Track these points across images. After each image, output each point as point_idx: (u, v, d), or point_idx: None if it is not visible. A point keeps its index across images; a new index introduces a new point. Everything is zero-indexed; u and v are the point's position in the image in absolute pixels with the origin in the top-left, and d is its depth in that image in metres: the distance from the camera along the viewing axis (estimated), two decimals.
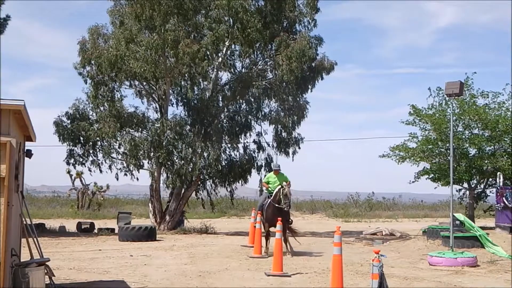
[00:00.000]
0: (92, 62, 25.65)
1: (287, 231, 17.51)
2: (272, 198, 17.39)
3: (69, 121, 26.56)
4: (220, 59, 27.06)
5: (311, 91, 27.42)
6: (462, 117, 24.54)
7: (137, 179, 27.19)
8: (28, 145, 10.62)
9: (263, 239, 17.66)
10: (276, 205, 17.09)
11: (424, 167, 26.46)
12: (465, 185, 26.27)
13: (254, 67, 27.68)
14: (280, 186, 17.28)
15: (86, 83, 26.79)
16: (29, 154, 10.23)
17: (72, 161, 26.97)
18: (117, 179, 27.44)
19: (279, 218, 15.04)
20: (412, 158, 26.02)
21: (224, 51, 26.87)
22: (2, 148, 7.89)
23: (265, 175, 27.64)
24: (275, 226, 15.88)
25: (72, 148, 26.66)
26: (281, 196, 16.99)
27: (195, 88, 26.94)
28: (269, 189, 17.99)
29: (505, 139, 24.42)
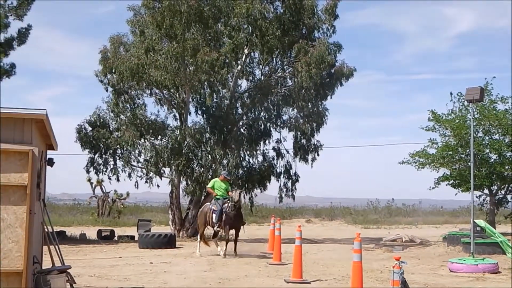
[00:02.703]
0: (114, 70, 25.81)
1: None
2: (230, 208, 18.13)
3: (90, 129, 26.81)
4: (239, 66, 27.13)
5: (331, 97, 27.37)
6: (482, 123, 24.42)
7: (158, 186, 27.44)
8: (49, 153, 10.72)
9: (219, 243, 18.90)
10: (234, 212, 18.14)
11: (444, 173, 26.35)
12: (486, 191, 26.14)
13: (273, 74, 27.73)
14: (239, 191, 18.73)
15: (107, 91, 27.20)
16: (50, 162, 10.33)
17: (92, 169, 27.22)
18: (137, 187, 27.70)
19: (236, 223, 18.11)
20: (432, 164, 25.93)
21: (243, 59, 26.94)
22: (25, 157, 8.00)
23: (283, 183, 27.80)
24: (233, 229, 18.30)
25: (92, 156, 26.92)
26: (236, 200, 18.11)
27: (214, 96, 27.09)
28: (217, 195, 18.68)
29: None
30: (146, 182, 27.23)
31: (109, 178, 27.79)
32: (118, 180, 27.58)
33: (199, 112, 27.61)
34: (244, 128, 27.78)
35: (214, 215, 18.41)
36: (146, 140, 26.60)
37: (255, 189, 27.54)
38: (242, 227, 18.84)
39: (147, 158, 26.26)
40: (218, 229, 18.57)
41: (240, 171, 26.83)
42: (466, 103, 22.49)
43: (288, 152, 28.00)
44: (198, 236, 19.53)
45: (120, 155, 27.25)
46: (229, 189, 18.89)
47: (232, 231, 18.71)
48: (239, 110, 27.89)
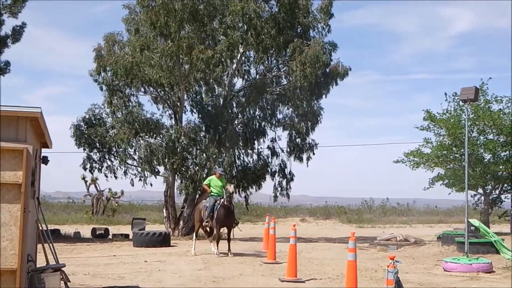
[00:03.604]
0: (108, 68, 25.77)
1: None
2: (225, 199, 18.07)
3: (86, 126, 26.76)
4: (234, 65, 27.13)
5: (326, 97, 27.47)
6: (476, 123, 24.47)
7: (151, 185, 27.37)
8: (43, 151, 10.70)
9: (214, 242, 18.62)
10: (227, 204, 18.06)
11: (439, 172, 26.41)
12: (480, 190, 26.18)
13: (268, 73, 27.76)
14: (233, 185, 19.10)
15: (101, 89, 27.08)
16: (45, 160, 10.30)
17: (88, 166, 27.19)
18: (132, 185, 27.60)
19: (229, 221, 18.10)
20: (427, 163, 25.98)
21: (238, 58, 26.95)
22: (19, 155, 7.99)
23: (278, 182, 27.81)
24: (225, 227, 18.32)
25: (88, 154, 26.90)
26: (231, 191, 18.17)
27: (210, 94, 27.08)
28: (212, 192, 18.65)
29: None
30: (140, 180, 27.25)
31: (106, 176, 27.81)
32: (115, 177, 27.58)
33: (194, 110, 27.64)
34: (239, 126, 27.77)
35: (206, 212, 18.43)
36: (141, 139, 26.56)
37: (250, 188, 27.54)
38: (236, 226, 18.87)
39: (142, 156, 26.21)
40: (207, 224, 18.50)
41: (235, 170, 26.80)
42: (461, 103, 22.53)
43: (283, 151, 28.07)
44: (194, 234, 19.51)
45: (115, 153, 27.20)
46: (225, 185, 18.84)
47: (224, 230, 18.73)
48: (234, 109, 27.87)
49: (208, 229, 18.99)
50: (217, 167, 22.08)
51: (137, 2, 25.90)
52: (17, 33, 24.52)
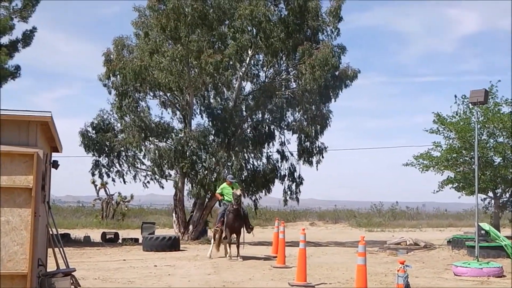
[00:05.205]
0: (117, 73, 25.82)
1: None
2: (233, 203, 18.24)
3: (94, 132, 26.82)
4: (243, 69, 27.12)
5: (335, 100, 27.40)
6: (486, 125, 24.36)
7: (163, 187, 27.52)
8: (54, 155, 10.73)
9: (226, 246, 18.72)
10: (235, 207, 18.14)
11: (448, 176, 26.28)
12: (490, 194, 26.06)
13: (277, 76, 27.71)
14: (240, 189, 18.91)
15: (110, 94, 27.16)
16: (55, 165, 10.34)
17: (97, 171, 27.26)
18: (147, 187, 27.88)
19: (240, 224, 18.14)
20: (436, 167, 25.87)
21: (247, 61, 26.94)
22: (30, 159, 8.01)
23: (287, 185, 27.76)
24: (235, 232, 18.28)
25: (97, 159, 26.95)
26: (238, 194, 18.27)
27: (219, 98, 27.10)
28: (225, 199, 18.91)
29: None
30: (149, 182, 27.40)
31: (113, 180, 27.91)
32: (124, 182, 27.67)
33: (204, 114, 27.74)
34: (248, 130, 27.76)
35: (218, 218, 18.63)
36: (150, 143, 26.62)
37: (259, 192, 27.52)
38: (251, 232, 18.92)
39: (151, 160, 26.26)
40: (217, 228, 18.61)
41: (245, 174, 26.79)
42: (470, 105, 22.46)
43: (292, 154, 28.04)
44: (212, 239, 19.62)
45: (125, 158, 27.27)
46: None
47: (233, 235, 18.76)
48: (244, 112, 27.88)
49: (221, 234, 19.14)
50: (227, 173, 22.15)
51: (147, 6, 25.98)
52: (27, 37, 24.61)
